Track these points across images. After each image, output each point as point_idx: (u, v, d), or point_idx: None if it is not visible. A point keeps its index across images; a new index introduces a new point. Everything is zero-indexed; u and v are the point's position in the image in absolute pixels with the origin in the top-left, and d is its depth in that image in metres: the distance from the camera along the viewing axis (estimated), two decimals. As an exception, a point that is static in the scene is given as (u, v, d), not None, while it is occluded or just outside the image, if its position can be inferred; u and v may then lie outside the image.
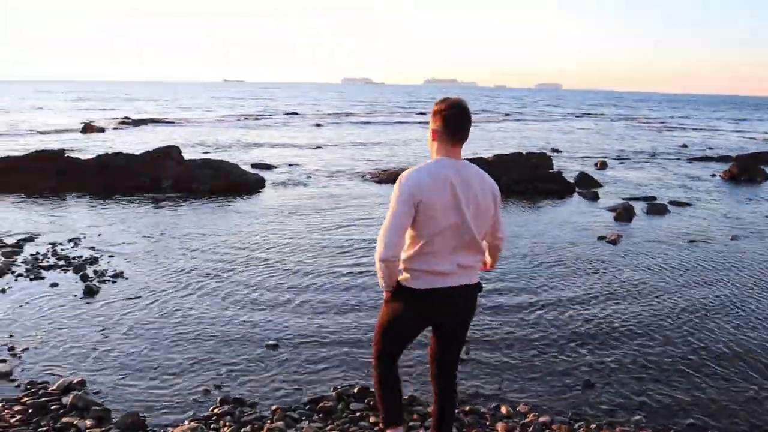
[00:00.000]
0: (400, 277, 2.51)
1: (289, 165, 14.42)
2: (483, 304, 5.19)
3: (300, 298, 5.34)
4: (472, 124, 2.56)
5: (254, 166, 13.76)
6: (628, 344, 4.54)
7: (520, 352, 4.35)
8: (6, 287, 5.44)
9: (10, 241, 6.96)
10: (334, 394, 3.65)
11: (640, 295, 5.70)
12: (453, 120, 2.45)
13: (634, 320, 5.05)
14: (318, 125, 28.50)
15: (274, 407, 3.49)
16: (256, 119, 33.19)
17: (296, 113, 39.29)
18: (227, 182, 10.75)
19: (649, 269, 6.55)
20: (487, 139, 23.91)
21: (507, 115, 43.99)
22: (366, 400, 3.59)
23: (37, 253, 6.50)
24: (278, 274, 6.01)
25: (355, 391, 3.67)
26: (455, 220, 2.43)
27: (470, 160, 13.69)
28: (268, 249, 6.92)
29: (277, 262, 6.41)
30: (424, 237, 2.43)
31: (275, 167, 13.97)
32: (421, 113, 41.42)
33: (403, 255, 2.48)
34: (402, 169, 11.49)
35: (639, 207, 10.02)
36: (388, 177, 12.15)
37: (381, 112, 43.16)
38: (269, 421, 3.35)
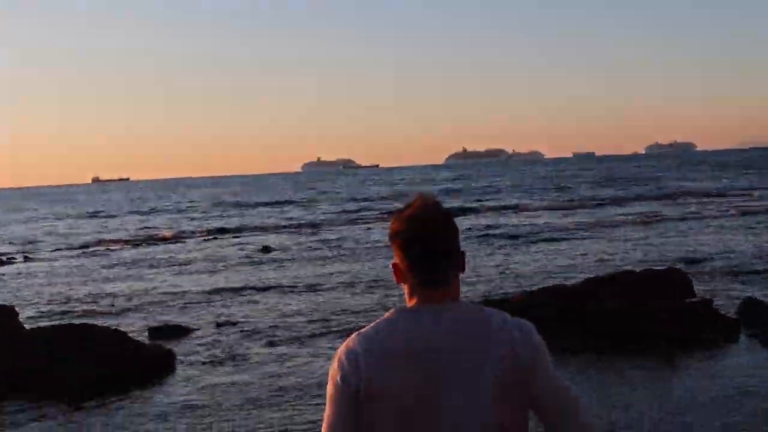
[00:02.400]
0: None
1: (218, 326, 14.50)
2: None
3: None
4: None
5: (155, 332, 13.83)
6: None
7: None
8: None
9: None
10: None
11: None
12: (417, 246, 2.47)
13: None
14: (266, 249, 28.89)
15: None
16: (157, 244, 33.68)
17: (224, 229, 40.06)
18: (105, 366, 10.75)
19: None
20: (563, 249, 24.13)
21: (597, 204, 44.44)
22: None
23: None
24: None
25: None
26: (436, 420, 2.40)
27: (531, 296, 13.30)
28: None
29: None
30: None
31: (193, 331, 14.06)
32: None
33: None
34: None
35: None
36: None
37: (368, 217, 44.12)
38: None
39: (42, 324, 13.85)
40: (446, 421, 2.39)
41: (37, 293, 20.30)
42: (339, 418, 2.42)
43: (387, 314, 2.48)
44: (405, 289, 2.51)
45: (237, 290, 19.12)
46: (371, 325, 2.49)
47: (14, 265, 28.48)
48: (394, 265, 2.51)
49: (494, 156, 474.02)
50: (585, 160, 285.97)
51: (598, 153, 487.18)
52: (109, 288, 20.55)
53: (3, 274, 25.39)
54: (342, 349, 2.47)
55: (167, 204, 75.33)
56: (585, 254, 22.61)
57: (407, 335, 2.41)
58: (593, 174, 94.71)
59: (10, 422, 9.19)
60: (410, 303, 2.49)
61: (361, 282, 19.38)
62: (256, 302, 17.15)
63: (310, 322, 14.54)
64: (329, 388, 2.44)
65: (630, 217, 34.57)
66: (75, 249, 33.78)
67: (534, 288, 14.10)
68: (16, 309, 12.16)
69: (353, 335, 2.49)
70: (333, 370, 2.44)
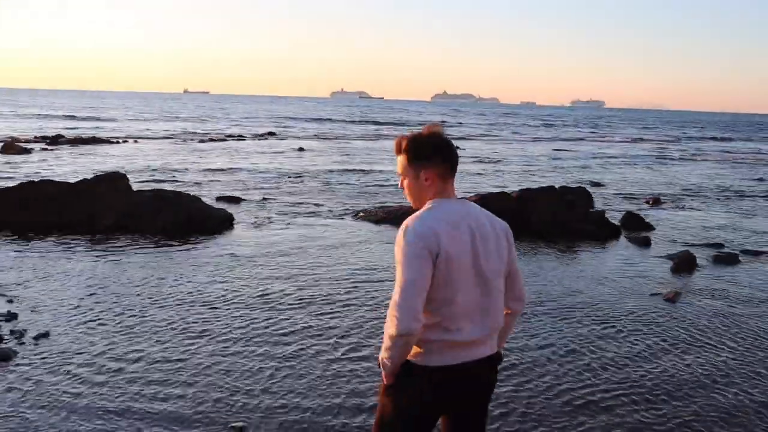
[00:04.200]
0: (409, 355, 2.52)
1: (264, 199, 14.58)
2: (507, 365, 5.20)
3: (275, 370, 5.35)
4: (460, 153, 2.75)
5: (220, 199, 13.93)
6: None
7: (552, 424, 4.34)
8: None
9: None
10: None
11: (703, 381, 5.70)
12: (446, 157, 2.59)
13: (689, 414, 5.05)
14: (301, 149, 28.87)
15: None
16: (224, 140, 33.58)
17: (272, 133, 39.87)
18: (185, 219, 10.84)
19: (714, 338, 6.56)
20: (508, 170, 24.17)
21: (536, 139, 44.74)
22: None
23: (-60, 306, 6.50)
24: (248, 339, 6.01)
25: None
26: (478, 274, 2.53)
27: (489, 196, 13.32)
28: (236, 306, 6.92)
29: (247, 323, 6.42)
30: (442, 300, 2.46)
31: (245, 201, 14.13)
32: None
33: None
34: (408, 209, 11.62)
35: (702, 256, 10.09)
36: (387, 216, 12.23)
37: (381, 134, 43.75)
38: None
39: (144, 187, 13.92)
40: (487, 271, 2.55)
41: (141, 165, 20.33)
42: (421, 275, 2.41)
43: (428, 205, 2.56)
44: (421, 196, 2.61)
45: (279, 175, 19.15)
46: (422, 211, 2.54)
47: (127, 145, 28.48)
48: (426, 179, 2.56)
49: (466, 99, 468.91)
50: (528, 107, 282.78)
51: (537, 103, 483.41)
52: (192, 166, 20.57)
53: (119, 149, 25.36)
54: (413, 227, 2.46)
55: (232, 112, 74.69)
56: (528, 173, 22.65)
57: (456, 214, 2.53)
58: (533, 119, 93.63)
59: (122, 251, 9.34)
60: (427, 204, 2.59)
61: (374, 174, 19.54)
62: (292, 184, 17.19)
63: (332, 201, 14.60)
64: (409, 254, 2.41)
65: (561, 151, 34.47)
66: (168, 138, 33.66)
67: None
68: (127, 175, 12.18)
69: (412, 218, 2.50)
70: (413, 241, 2.42)
